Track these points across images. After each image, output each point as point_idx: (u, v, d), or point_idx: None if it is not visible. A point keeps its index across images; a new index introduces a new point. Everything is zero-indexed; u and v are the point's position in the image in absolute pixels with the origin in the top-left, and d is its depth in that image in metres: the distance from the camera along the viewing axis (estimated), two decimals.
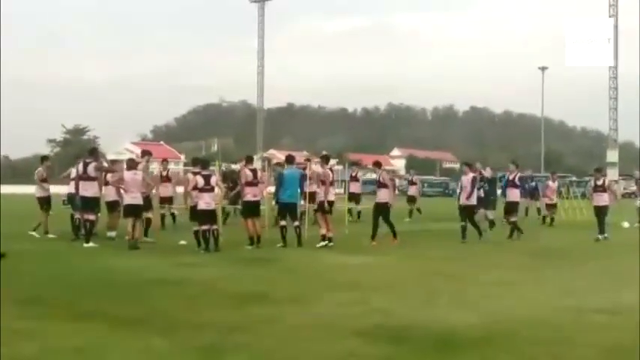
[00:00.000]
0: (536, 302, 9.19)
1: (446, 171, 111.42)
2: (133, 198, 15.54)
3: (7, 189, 56.07)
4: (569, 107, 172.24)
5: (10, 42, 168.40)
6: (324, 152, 22.82)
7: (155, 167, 22.79)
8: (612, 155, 75.19)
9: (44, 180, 18.17)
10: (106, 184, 16.88)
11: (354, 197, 23.97)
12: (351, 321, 7.77)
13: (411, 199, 26.83)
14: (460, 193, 18.16)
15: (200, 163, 16.07)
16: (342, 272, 12.16)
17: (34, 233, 17.54)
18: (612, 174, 74.51)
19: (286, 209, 16.03)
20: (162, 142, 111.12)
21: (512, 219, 18.45)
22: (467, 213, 17.59)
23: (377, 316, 8.07)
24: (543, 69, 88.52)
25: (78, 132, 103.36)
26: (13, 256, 12.80)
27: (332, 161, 23.16)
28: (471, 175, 17.97)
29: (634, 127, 78.48)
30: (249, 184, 15.95)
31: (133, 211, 15.50)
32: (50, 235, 17.44)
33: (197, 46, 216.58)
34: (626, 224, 22.51)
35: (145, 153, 18.23)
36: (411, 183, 27.74)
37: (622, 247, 16.58)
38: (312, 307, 8.69)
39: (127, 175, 15.84)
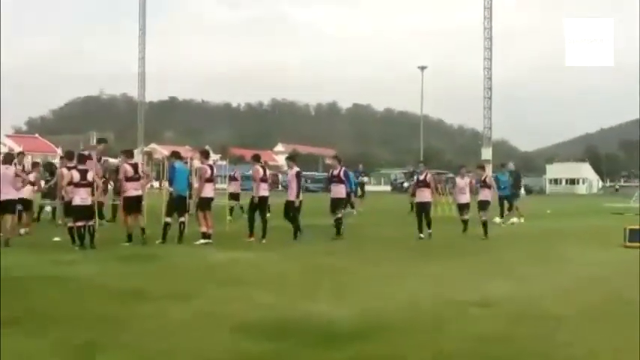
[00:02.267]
0: (413, 295, 9.43)
1: (328, 167, 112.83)
2: (4, 194, 14.97)
3: None
4: (447, 106, 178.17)
5: None
6: (206, 147, 22.52)
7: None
8: (486, 153, 78.36)
9: None
10: None
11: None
12: (233, 316, 7.74)
13: (234, 196, 23.93)
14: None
15: (78, 157, 15.51)
16: (225, 268, 12.08)
17: None
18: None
19: (177, 203, 15.87)
20: (37, 135, 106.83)
21: (338, 215, 17.48)
22: (290, 209, 16.86)
23: (259, 312, 8.08)
24: (422, 68, 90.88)
25: None
26: None
27: (215, 156, 22.80)
28: (295, 170, 17.07)
29: (504, 125, 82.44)
30: (131, 179, 15.56)
31: (4, 207, 14.95)
32: None
33: (76, 35, 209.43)
34: (497, 219, 23.44)
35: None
36: (232, 179, 24.68)
37: (495, 242, 17.24)
38: (193, 303, 8.59)
39: None
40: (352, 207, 25.45)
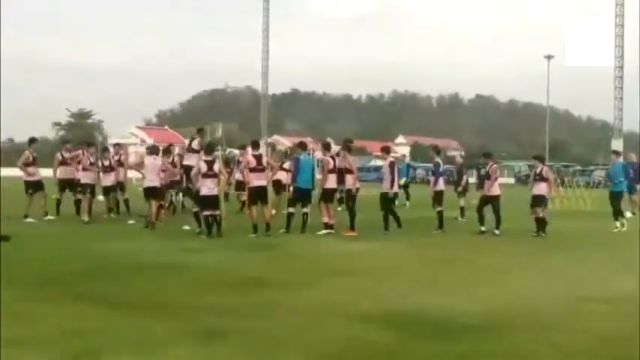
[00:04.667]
0: (535, 289, 9.24)
1: (450, 159, 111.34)
2: (150, 181, 16.47)
3: (11, 171, 56.51)
4: (574, 97, 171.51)
5: (17, 25, 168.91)
6: (328, 139, 22.70)
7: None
8: (617, 144, 75.04)
9: (30, 164, 17.78)
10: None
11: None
12: (351, 307, 7.83)
13: None
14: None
15: (205, 148, 16.09)
16: (344, 258, 12.23)
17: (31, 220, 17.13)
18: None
19: (301, 194, 16.10)
20: (166, 127, 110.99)
21: (439, 209, 17.05)
22: (386, 202, 16.24)
23: (374, 302, 8.13)
24: (549, 57, 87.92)
25: (82, 116, 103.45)
26: (17, 238, 13.02)
27: (336, 148, 22.81)
28: (389, 160, 16.65)
29: (636, 116, 78.43)
30: (254, 169, 15.81)
31: (150, 193, 16.39)
32: (29, 220, 17.05)
33: (201, 29, 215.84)
34: (628, 214, 22.42)
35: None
36: None
37: (623, 236, 16.54)
38: (312, 293, 8.75)
39: (147, 159, 16.77)
40: (407, 198, 24.92)
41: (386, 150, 17.31)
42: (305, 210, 16.07)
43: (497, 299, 8.48)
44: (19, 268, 10.19)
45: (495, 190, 16.72)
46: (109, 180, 18.60)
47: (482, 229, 16.40)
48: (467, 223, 18.76)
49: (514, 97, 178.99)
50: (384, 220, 16.02)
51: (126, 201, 19.18)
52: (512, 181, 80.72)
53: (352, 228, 15.79)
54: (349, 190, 16.22)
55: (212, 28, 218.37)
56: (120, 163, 18.89)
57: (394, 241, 14.53)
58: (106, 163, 18.57)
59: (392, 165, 16.41)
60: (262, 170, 15.83)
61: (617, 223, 17.98)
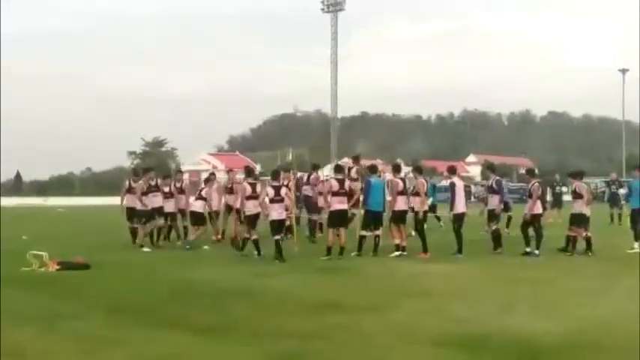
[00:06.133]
0: (621, 310, 9.00)
1: (523, 177, 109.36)
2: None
3: (91, 200, 58.38)
4: None
5: (93, 54, 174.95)
6: (398, 161, 22.67)
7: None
8: None
9: (145, 193, 18.02)
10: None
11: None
12: (428, 329, 7.79)
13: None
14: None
15: (271, 173, 16.29)
16: (418, 280, 12.16)
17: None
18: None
19: (373, 217, 16.14)
20: (237, 153, 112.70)
21: (493, 227, 16.57)
22: (458, 223, 15.81)
23: (454, 325, 8.06)
24: (624, 71, 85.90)
25: (157, 144, 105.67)
26: (98, 266, 13.42)
27: (407, 169, 22.68)
28: (449, 181, 16.44)
29: None
30: (336, 193, 15.81)
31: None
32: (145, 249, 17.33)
33: (270, 55, 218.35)
34: None
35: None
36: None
37: None
38: (388, 315, 8.73)
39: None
40: (438, 219, 23.81)
41: (451, 170, 17.09)
42: (377, 233, 16.08)
43: (583, 321, 8.29)
44: (104, 295, 10.51)
45: (537, 210, 16.23)
46: (169, 206, 18.69)
47: (527, 249, 15.85)
48: (543, 242, 18.40)
49: (588, 112, 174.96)
50: (457, 242, 15.77)
51: (185, 228, 19.24)
52: None
53: (425, 250, 15.73)
54: (417, 213, 16.20)
55: (282, 53, 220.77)
56: (181, 190, 19.05)
57: (468, 263, 14.37)
58: (166, 189, 18.64)
59: (451, 186, 16.19)
60: (344, 194, 15.93)
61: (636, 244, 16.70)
